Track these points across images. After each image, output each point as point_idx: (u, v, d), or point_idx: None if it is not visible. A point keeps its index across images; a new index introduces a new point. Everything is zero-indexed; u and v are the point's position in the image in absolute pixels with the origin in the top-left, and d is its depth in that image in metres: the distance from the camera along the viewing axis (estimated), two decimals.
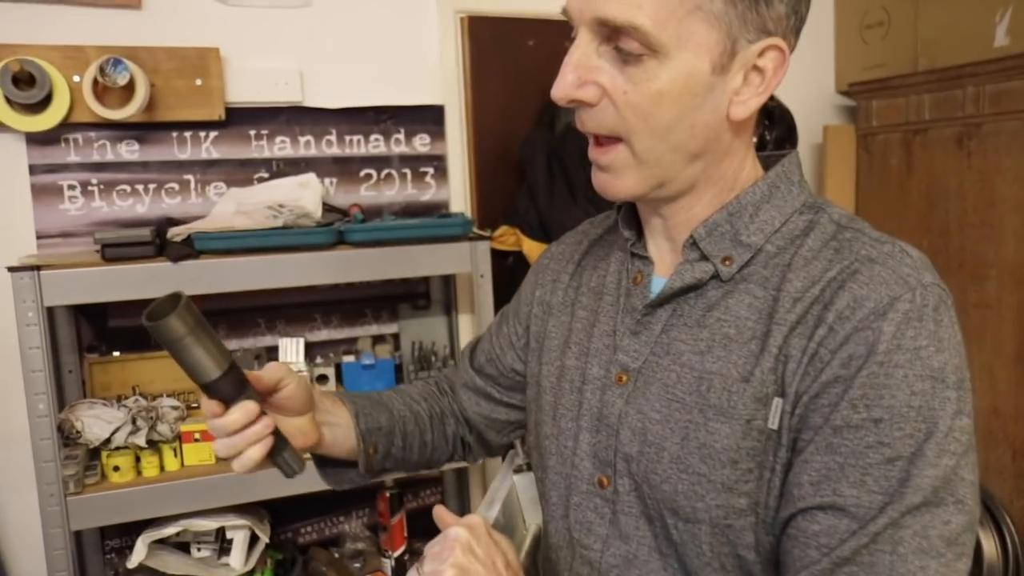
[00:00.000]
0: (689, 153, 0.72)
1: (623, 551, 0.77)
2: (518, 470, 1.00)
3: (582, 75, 0.70)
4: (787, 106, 2.16)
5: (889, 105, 2.29)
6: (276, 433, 0.79)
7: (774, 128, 2.09)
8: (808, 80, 2.55)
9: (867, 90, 2.35)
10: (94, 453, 1.69)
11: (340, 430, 0.91)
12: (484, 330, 1.87)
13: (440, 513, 0.75)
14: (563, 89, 0.70)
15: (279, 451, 0.80)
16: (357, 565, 2.04)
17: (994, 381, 2.04)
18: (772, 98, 2.14)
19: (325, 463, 0.96)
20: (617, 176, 0.73)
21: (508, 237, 2.11)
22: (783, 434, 0.67)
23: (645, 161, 0.71)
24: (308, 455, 0.86)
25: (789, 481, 0.67)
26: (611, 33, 0.67)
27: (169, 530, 1.71)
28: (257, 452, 0.77)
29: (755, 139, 2.13)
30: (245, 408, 0.76)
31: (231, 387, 0.75)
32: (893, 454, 0.62)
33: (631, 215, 0.84)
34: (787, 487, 0.67)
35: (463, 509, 2.21)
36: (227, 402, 0.75)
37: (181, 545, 1.78)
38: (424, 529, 2.21)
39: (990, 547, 2.02)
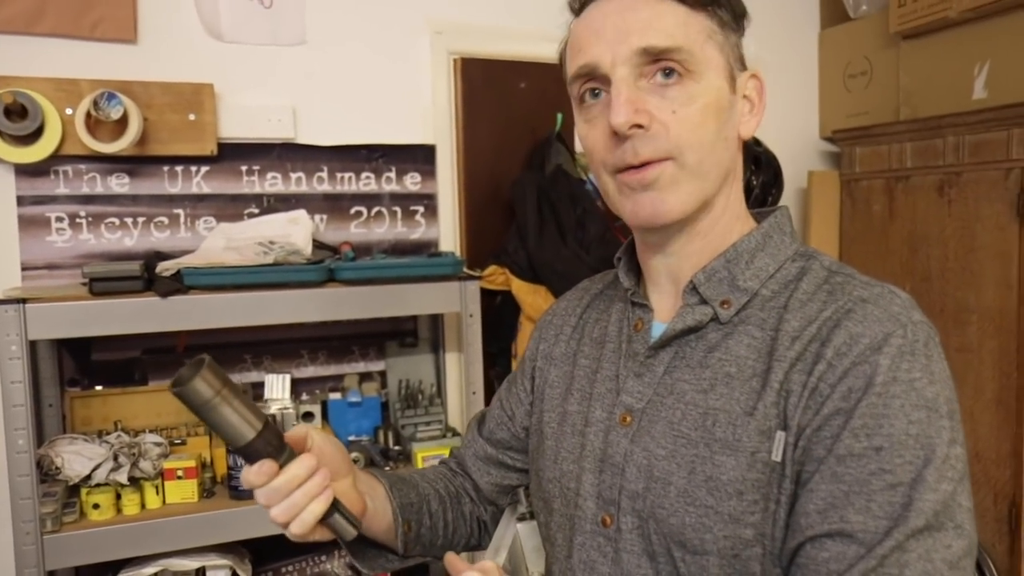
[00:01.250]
0: (724, 168, 0.79)
1: None
2: (521, 518, 1.00)
3: (636, 104, 0.74)
4: (773, 152, 2.20)
5: (872, 152, 2.33)
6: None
7: (761, 173, 2.12)
8: (793, 126, 2.61)
9: (850, 137, 2.40)
10: (73, 490, 1.65)
11: (378, 502, 0.90)
12: (471, 366, 1.89)
13: (452, 560, 0.75)
14: (625, 115, 0.74)
15: (335, 508, 0.77)
16: None
17: (975, 425, 2.06)
18: (759, 143, 2.18)
19: (353, 542, 0.93)
20: (666, 192, 0.76)
21: (497, 277, 2.12)
22: (787, 466, 0.70)
23: (696, 174, 0.76)
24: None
25: (795, 511, 0.69)
26: (650, 62, 0.74)
27: (148, 570, 1.67)
28: (319, 506, 0.75)
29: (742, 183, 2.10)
30: (303, 462, 0.74)
31: (271, 446, 0.73)
32: (895, 480, 0.65)
33: (631, 265, 0.89)
34: (794, 517, 0.69)
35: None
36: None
37: None
38: (407, 568, 2.17)
39: None
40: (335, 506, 0.77)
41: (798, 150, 2.60)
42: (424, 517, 0.96)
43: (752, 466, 0.71)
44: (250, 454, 0.73)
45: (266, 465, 0.73)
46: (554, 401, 0.92)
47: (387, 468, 1.85)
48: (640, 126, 0.74)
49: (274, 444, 0.73)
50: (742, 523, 0.71)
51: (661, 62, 0.74)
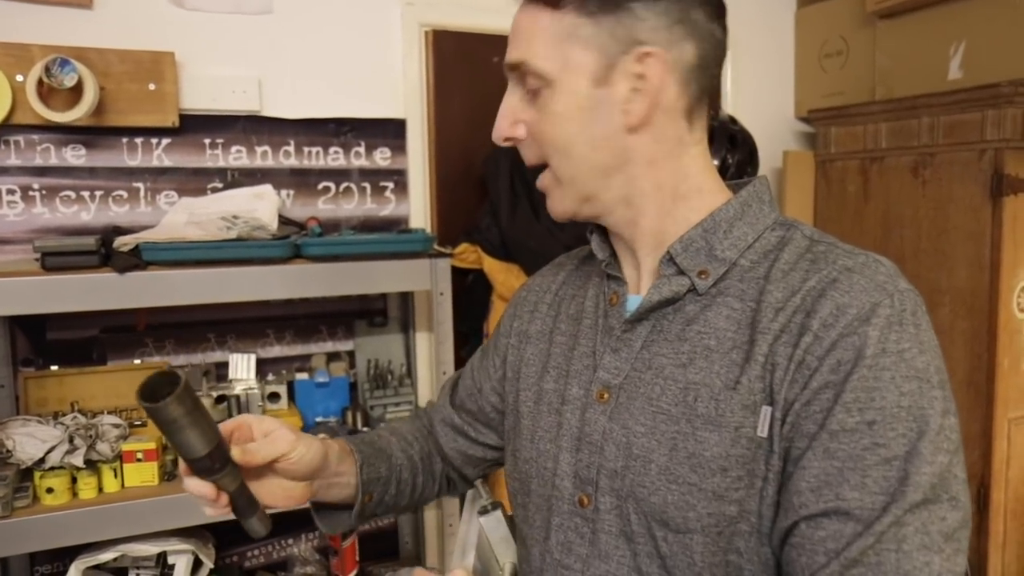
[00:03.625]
0: (600, 167, 0.77)
1: (602, 570, 0.77)
2: (482, 511, 0.98)
3: (512, 117, 0.79)
4: (749, 131, 2.18)
5: (847, 132, 2.32)
6: (248, 498, 0.81)
7: (736, 152, 2.10)
8: (769, 106, 2.59)
9: (826, 117, 2.38)
10: (26, 474, 1.59)
11: (345, 477, 0.92)
12: (442, 345, 1.85)
13: (422, 574, 0.73)
14: (499, 131, 0.80)
15: (247, 516, 0.81)
16: None
17: None
18: (735, 122, 2.15)
19: (318, 505, 0.96)
20: (551, 197, 0.81)
21: (469, 254, 2.07)
22: (774, 441, 0.68)
23: (565, 180, 0.78)
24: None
25: (788, 489, 0.67)
26: (519, 75, 0.77)
27: (106, 555, 1.62)
28: (211, 511, 0.80)
29: (717, 162, 2.14)
30: (202, 490, 0.78)
31: (214, 463, 0.76)
32: (890, 454, 0.63)
33: (603, 237, 0.87)
34: (785, 495, 0.67)
35: (417, 534, 2.16)
36: (206, 472, 0.76)
37: (119, 571, 1.69)
38: (376, 553, 2.14)
39: None
40: (248, 512, 0.82)
41: (773, 130, 2.58)
42: (391, 487, 0.97)
43: (736, 442, 0.69)
44: (195, 468, 0.77)
45: (193, 483, 0.78)
46: (530, 380, 0.90)
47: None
48: (512, 138, 0.79)
49: (219, 461, 0.76)
50: (726, 500, 0.69)
51: (525, 77, 0.77)
